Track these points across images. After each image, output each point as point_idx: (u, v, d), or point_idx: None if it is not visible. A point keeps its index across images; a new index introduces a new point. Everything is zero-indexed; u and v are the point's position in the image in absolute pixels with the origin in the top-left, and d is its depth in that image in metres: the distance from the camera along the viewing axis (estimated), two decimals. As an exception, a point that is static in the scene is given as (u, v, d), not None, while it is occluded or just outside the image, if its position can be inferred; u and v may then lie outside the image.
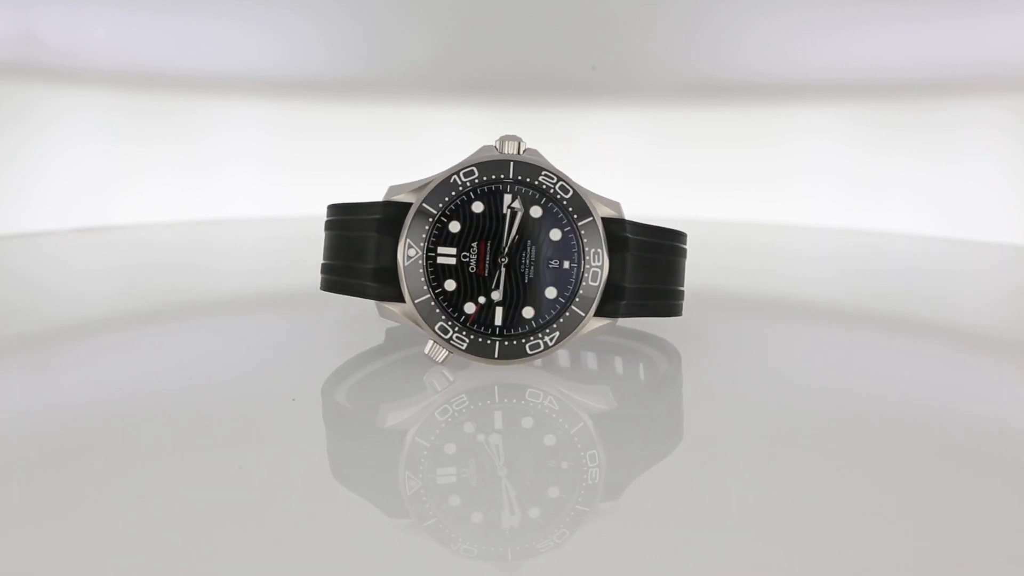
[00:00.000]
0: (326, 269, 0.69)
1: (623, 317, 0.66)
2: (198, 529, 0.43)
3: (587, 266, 0.63)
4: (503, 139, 0.65)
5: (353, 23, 1.61)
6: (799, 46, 1.59)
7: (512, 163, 0.64)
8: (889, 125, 1.58)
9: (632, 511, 0.46)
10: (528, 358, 0.64)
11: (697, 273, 0.72)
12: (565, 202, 0.63)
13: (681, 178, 1.63)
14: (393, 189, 0.66)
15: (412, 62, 1.63)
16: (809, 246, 1.45)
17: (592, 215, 0.63)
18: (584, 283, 0.63)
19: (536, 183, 0.64)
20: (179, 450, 0.52)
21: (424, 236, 0.64)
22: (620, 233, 0.65)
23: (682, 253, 0.71)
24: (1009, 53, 1.50)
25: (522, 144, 0.65)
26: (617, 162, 1.64)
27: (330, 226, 0.69)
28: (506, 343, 0.64)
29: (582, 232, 0.63)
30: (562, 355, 0.70)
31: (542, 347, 0.63)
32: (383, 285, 0.65)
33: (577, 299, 0.63)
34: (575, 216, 0.63)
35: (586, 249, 0.63)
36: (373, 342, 0.72)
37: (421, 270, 0.64)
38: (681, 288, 0.71)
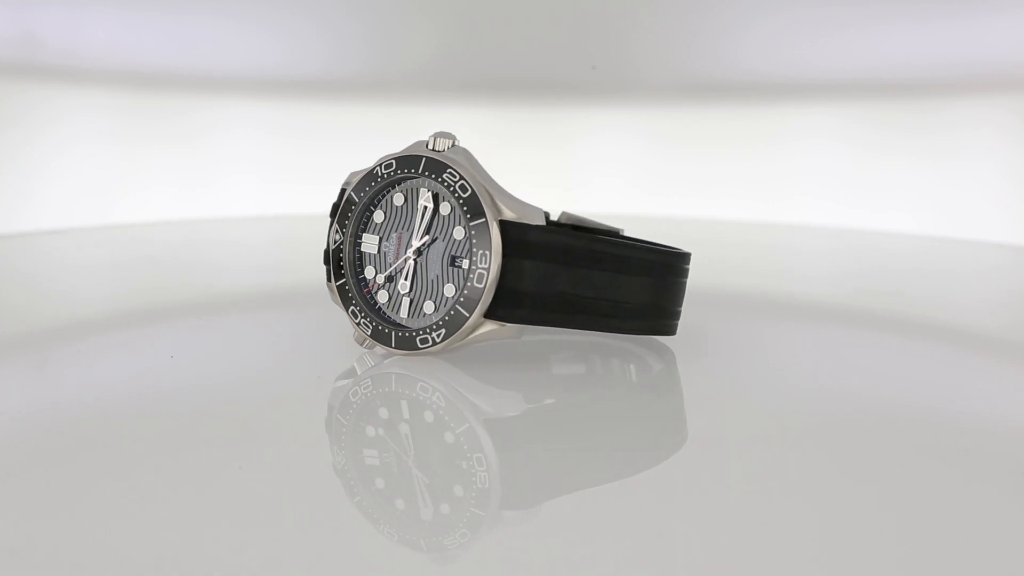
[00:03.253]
0: None
1: (528, 324, 0.64)
2: (197, 526, 0.43)
3: (474, 267, 0.62)
4: (435, 135, 0.65)
5: (353, 23, 1.61)
6: (799, 46, 1.59)
7: (424, 159, 0.64)
8: (889, 125, 1.58)
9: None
10: (420, 351, 0.64)
11: (697, 272, 0.72)
12: (462, 201, 0.63)
13: (681, 178, 1.63)
14: (351, 176, 0.68)
15: (412, 62, 1.64)
16: (809, 245, 1.45)
17: (484, 217, 0.62)
18: (470, 284, 0.62)
19: (440, 180, 0.63)
20: (179, 449, 0.52)
21: (349, 223, 0.66)
22: (524, 238, 0.61)
23: (647, 269, 0.67)
24: (1009, 53, 1.50)
25: (456, 142, 0.65)
26: (617, 162, 1.64)
27: None
28: (401, 334, 0.64)
29: (473, 232, 0.62)
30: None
31: (430, 343, 0.63)
32: (328, 267, 0.67)
33: (462, 299, 0.62)
34: (468, 216, 0.62)
35: (475, 250, 0.62)
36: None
37: (343, 254, 0.66)
38: (647, 305, 0.67)
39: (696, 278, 0.72)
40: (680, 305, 0.70)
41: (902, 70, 1.56)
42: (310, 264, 0.79)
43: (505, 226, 0.62)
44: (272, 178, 1.62)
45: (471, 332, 0.63)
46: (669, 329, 0.70)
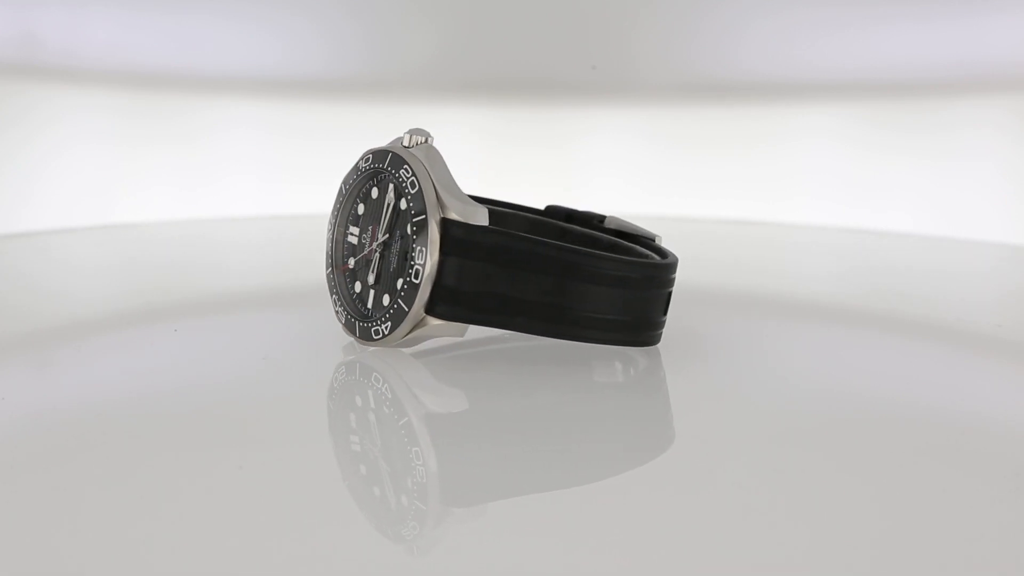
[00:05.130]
0: None
1: (467, 323, 0.64)
2: (197, 526, 0.43)
3: (413, 263, 0.63)
4: (409, 132, 0.66)
5: (353, 23, 1.61)
6: (799, 46, 1.59)
7: (390, 154, 0.65)
8: (889, 125, 1.58)
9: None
10: (373, 343, 0.65)
11: (697, 272, 0.72)
12: (410, 197, 0.64)
13: (681, 178, 1.63)
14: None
15: (412, 62, 1.63)
16: (808, 245, 1.45)
17: (425, 214, 0.62)
18: (409, 279, 0.63)
19: (397, 176, 0.64)
20: (179, 449, 0.52)
21: (338, 214, 0.69)
22: (466, 237, 0.62)
23: (604, 278, 0.65)
24: (1009, 53, 1.50)
25: (429, 139, 0.65)
26: (617, 162, 1.64)
27: None
28: (363, 325, 0.66)
29: (415, 228, 0.63)
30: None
31: (380, 335, 0.64)
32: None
33: (403, 294, 0.63)
34: (412, 213, 0.63)
35: (415, 246, 0.63)
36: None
37: (330, 245, 0.69)
38: (597, 315, 0.65)
39: (696, 278, 0.71)
40: (660, 316, 0.68)
41: (902, 70, 1.56)
42: (310, 264, 0.79)
43: (447, 224, 0.62)
44: (272, 178, 1.62)
45: (413, 327, 0.63)
46: (648, 340, 0.68)
